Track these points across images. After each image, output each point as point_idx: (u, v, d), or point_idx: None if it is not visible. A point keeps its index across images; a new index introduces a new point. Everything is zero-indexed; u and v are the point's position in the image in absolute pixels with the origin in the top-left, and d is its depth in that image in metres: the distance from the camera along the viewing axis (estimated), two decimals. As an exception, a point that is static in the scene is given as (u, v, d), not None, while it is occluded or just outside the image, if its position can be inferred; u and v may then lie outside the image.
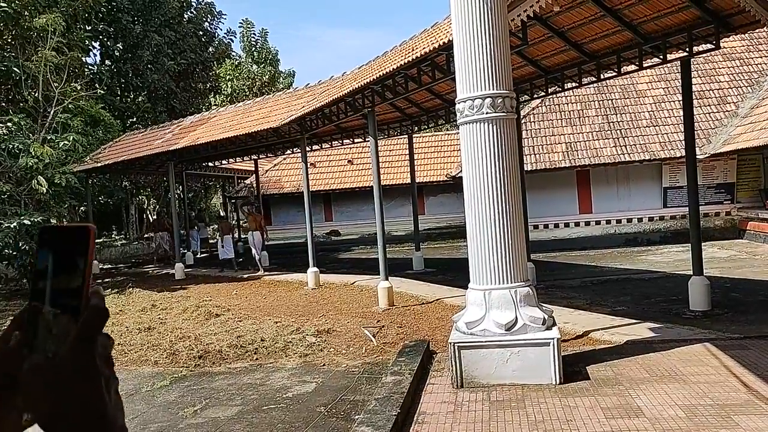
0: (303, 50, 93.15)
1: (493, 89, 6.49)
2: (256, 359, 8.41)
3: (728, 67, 20.34)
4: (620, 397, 5.79)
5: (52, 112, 18.18)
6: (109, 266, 24.26)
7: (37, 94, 18.38)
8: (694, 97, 10.01)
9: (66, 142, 16.93)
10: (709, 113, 19.11)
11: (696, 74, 18.73)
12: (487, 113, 6.49)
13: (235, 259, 19.71)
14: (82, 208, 28.29)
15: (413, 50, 9.49)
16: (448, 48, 8.18)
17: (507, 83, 6.59)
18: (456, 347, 6.44)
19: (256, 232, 18.95)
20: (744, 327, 8.18)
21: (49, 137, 17.20)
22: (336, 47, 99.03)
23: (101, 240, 30.94)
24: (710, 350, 7.06)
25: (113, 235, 36.21)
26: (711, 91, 19.79)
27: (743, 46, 20.59)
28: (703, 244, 9.85)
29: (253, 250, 19.07)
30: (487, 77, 6.49)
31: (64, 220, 23.68)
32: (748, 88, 19.56)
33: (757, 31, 10.62)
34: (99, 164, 20.18)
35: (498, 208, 6.55)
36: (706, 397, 5.65)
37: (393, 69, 9.89)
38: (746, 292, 10.76)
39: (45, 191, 15.41)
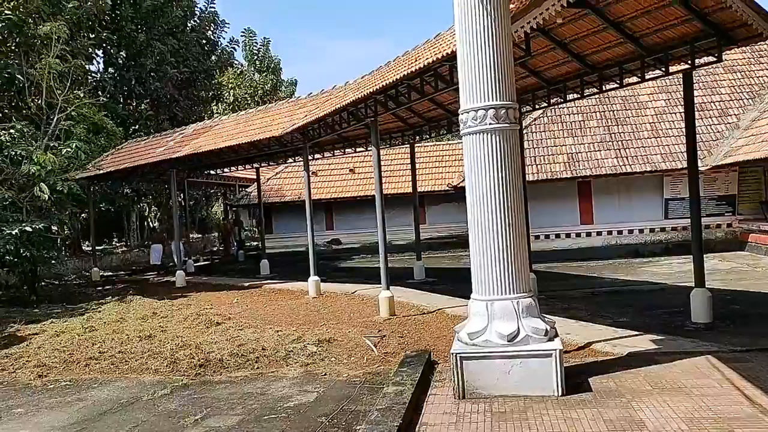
0: (306, 60, 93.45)
1: (497, 100, 6.51)
2: (257, 368, 8.39)
3: (729, 80, 20.40)
4: (623, 410, 5.77)
5: (54, 120, 18.24)
6: (110, 273, 24.23)
7: (40, 102, 18.46)
8: (695, 109, 10.02)
9: (68, 149, 16.97)
10: (710, 125, 19.15)
11: (697, 86, 18.79)
12: (490, 124, 6.51)
13: (160, 264, 22.84)
14: (83, 215, 28.36)
15: (416, 60, 9.53)
16: (451, 59, 8.20)
17: (510, 94, 6.61)
18: (458, 358, 6.43)
19: (179, 241, 21.87)
20: (746, 340, 8.15)
21: (51, 144, 17.24)
22: (339, 57, 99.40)
23: (102, 247, 30.92)
24: (713, 363, 7.04)
25: (114, 243, 36.22)
26: (712, 103, 19.83)
27: (744, 58, 20.66)
28: (704, 255, 9.84)
29: (175, 257, 21.86)
30: (491, 88, 6.51)
31: (66, 227, 23.74)
32: (750, 100, 19.61)
33: (758, 44, 10.64)
34: (101, 171, 20.20)
35: (501, 219, 6.55)
36: (709, 410, 5.64)
37: (396, 79, 9.93)
38: (748, 305, 10.74)
39: (47, 198, 15.42)
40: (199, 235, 32.19)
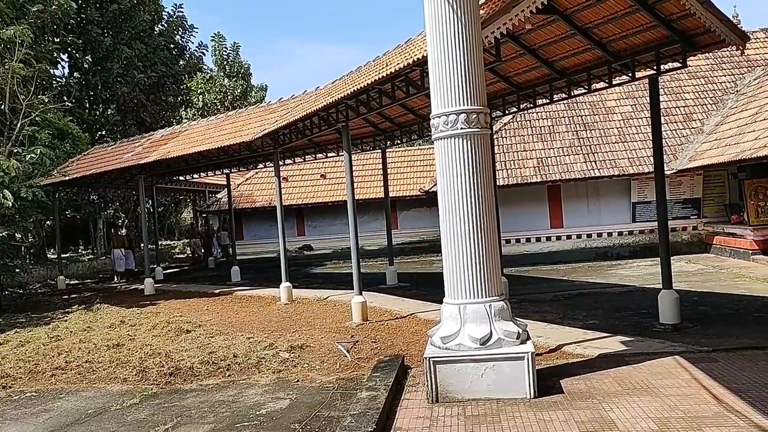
0: (276, 65, 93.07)
1: (468, 105, 6.55)
2: (229, 376, 8.29)
3: (693, 85, 20.84)
4: (594, 411, 5.83)
5: (18, 125, 17.85)
6: (76, 282, 23.78)
7: (3, 107, 18.04)
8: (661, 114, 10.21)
9: (33, 155, 16.61)
10: (675, 130, 19.52)
11: (662, 92, 19.15)
12: (461, 129, 6.55)
13: (118, 270, 23.71)
14: (48, 222, 27.78)
15: (387, 65, 9.54)
16: (422, 64, 8.25)
17: (481, 99, 6.66)
18: (431, 362, 6.44)
19: (117, 249, 24.07)
20: (712, 340, 8.32)
21: (15, 150, 16.89)
22: (309, 62, 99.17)
23: (67, 255, 30.34)
24: (680, 363, 7.17)
25: (80, 250, 35.55)
26: (677, 108, 20.23)
27: (708, 65, 21.14)
28: (671, 258, 10.01)
29: (115, 264, 23.79)
30: (462, 93, 6.55)
31: (30, 234, 23.27)
32: (713, 105, 20.05)
33: (721, 50, 10.90)
34: (67, 178, 19.82)
35: (473, 223, 6.59)
36: (678, 409, 5.73)
37: (367, 84, 9.93)
38: (714, 306, 10.96)
39: (11, 205, 15.06)
40: (187, 240, 31.89)
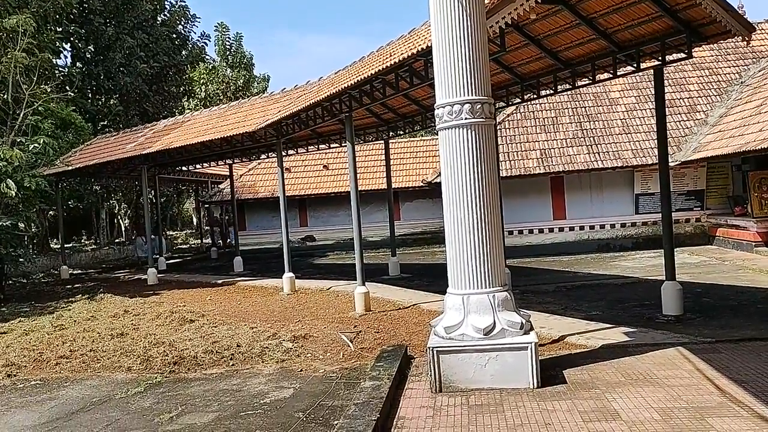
0: (278, 56, 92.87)
1: (472, 95, 6.53)
2: (233, 365, 8.32)
3: (698, 77, 20.76)
4: (597, 401, 5.84)
5: (21, 115, 17.84)
6: (80, 271, 23.83)
7: (6, 96, 18.03)
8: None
9: (36, 144, 16.63)
10: (679, 121, 19.46)
11: (667, 83, 19.06)
12: (465, 119, 6.53)
13: (141, 256, 25.44)
14: (51, 212, 27.84)
15: (391, 56, 9.52)
16: (426, 54, 8.22)
17: (485, 89, 6.63)
18: (435, 352, 6.45)
19: (139, 237, 26.61)
20: (715, 331, 8.33)
21: (18, 140, 16.88)
22: (311, 54, 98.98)
23: (71, 245, 30.41)
24: (683, 354, 7.17)
25: (83, 240, 35.63)
26: (681, 100, 20.16)
27: (712, 56, 21.04)
28: (674, 249, 10.00)
29: (138, 251, 26.29)
30: (466, 83, 6.53)
31: (33, 224, 23.30)
32: (717, 97, 19.98)
33: (725, 41, 10.87)
34: (70, 168, 19.84)
35: (476, 213, 6.58)
36: (681, 399, 5.74)
37: (371, 74, 9.91)
38: (717, 297, 10.96)
39: (14, 195, 15.09)
40: (217, 229, 31.93)
